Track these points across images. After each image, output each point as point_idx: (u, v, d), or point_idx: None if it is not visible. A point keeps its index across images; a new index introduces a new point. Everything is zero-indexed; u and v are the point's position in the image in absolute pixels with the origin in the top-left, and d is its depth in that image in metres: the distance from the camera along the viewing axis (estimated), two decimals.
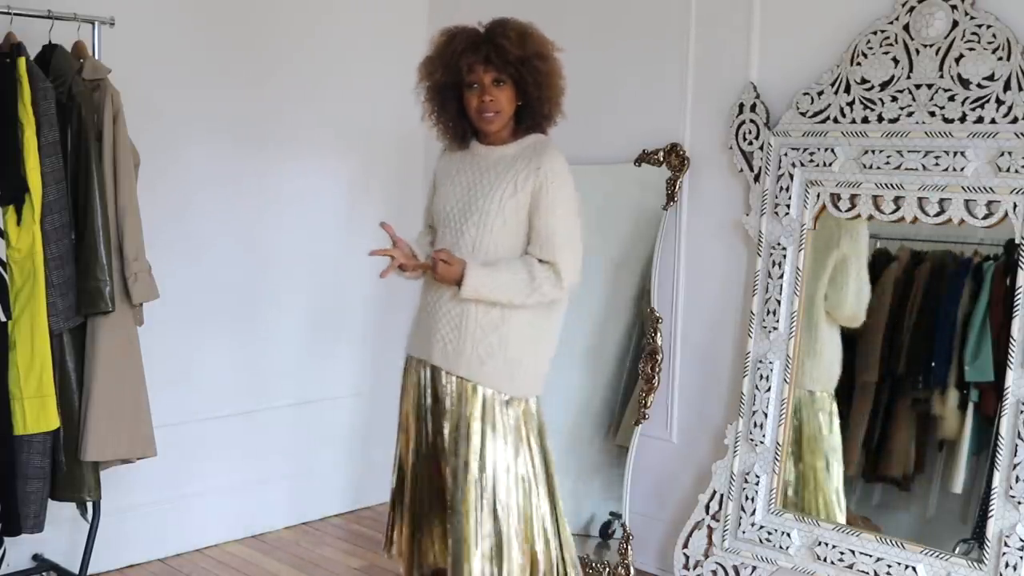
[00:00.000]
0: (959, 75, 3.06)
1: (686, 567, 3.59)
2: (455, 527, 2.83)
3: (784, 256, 3.40)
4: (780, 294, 3.41)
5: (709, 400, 3.69)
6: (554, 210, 2.80)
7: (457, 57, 2.79)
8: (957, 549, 3.10)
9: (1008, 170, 2.97)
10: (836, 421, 3.42)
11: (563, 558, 2.93)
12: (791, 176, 3.39)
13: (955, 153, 3.05)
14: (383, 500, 3.50)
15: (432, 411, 2.92)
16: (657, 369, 3.73)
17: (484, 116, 2.82)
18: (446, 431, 2.86)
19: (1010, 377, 2.96)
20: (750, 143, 3.50)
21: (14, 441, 3.09)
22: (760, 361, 3.45)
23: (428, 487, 2.97)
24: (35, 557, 3.56)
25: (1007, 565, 2.93)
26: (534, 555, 2.87)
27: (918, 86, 3.13)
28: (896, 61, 3.18)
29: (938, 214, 3.11)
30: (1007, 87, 2.98)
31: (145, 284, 3.29)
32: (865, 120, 3.23)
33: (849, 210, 3.29)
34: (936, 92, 3.10)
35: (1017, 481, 2.93)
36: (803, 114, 3.37)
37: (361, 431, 4.35)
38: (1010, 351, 2.96)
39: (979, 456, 3.17)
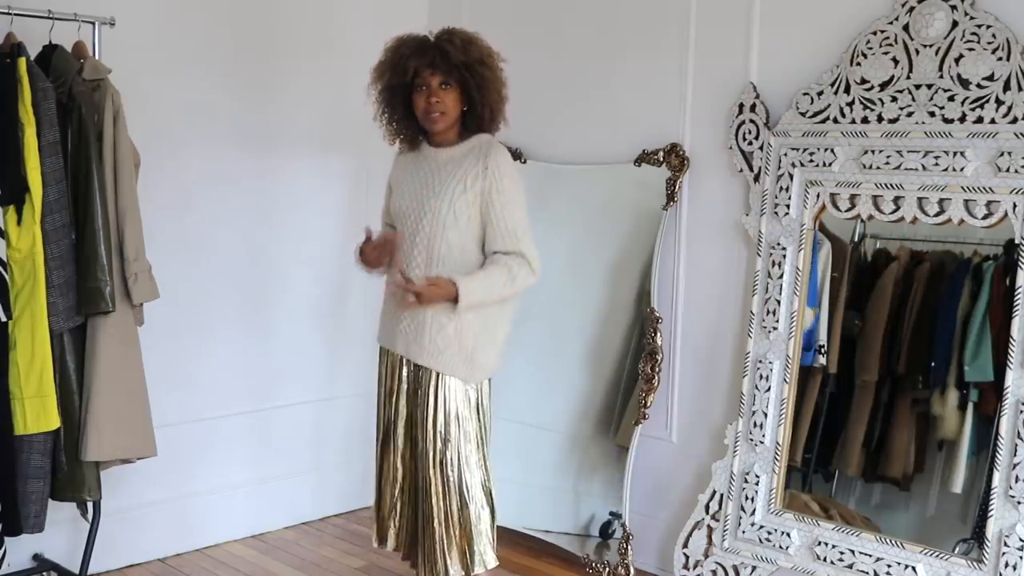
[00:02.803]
0: (959, 75, 3.06)
1: (686, 567, 3.59)
2: (424, 508, 3.02)
3: (784, 256, 3.40)
4: (780, 294, 3.41)
5: (709, 400, 3.69)
6: (508, 205, 2.97)
7: (405, 60, 2.96)
8: (957, 549, 3.11)
9: (1008, 170, 2.97)
10: None
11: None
12: (791, 176, 3.39)
13: (955, 153, 3.05)
14: None
15: (397, 396, 3.10)
16: (657, 369, 3.73)
17: (431, 116, 2.98)
18: (407, 416, 3.07)
19: (1010, 377, 2.96)
20: (750, 143, 3.50)
21: (14, 441, 3.09)
22: (760, 361, 3.45)
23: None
24: (35, 557, 3.56)
25: (1007, 565, 2.93)
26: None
27: (918, 86, 3.13)
28: (896, 61, 3.18)
29: (938, 214, 3.11)
30: (1007, 87, 2.98)
31: (145, 284, 3.29)
32: (865, 120, 3.23)
33: (849, 210, 3.29)
34: (936, 92, 3.10)
35: (1017, 481, 2.93)
36: (803, 114, 3.37)
37: (361, 431, 4.34)
38: (1010, 351, 2.96)
39: (979, 456, 3.17)
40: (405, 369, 3.06)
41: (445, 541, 3.00)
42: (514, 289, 2.97)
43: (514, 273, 2.94)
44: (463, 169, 2.98)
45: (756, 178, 3.49)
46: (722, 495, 3.53)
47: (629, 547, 3.71)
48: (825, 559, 3.26)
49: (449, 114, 2.99)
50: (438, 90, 2.95)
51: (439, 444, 2.99)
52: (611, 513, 3.83)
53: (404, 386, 3.07)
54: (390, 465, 3.14)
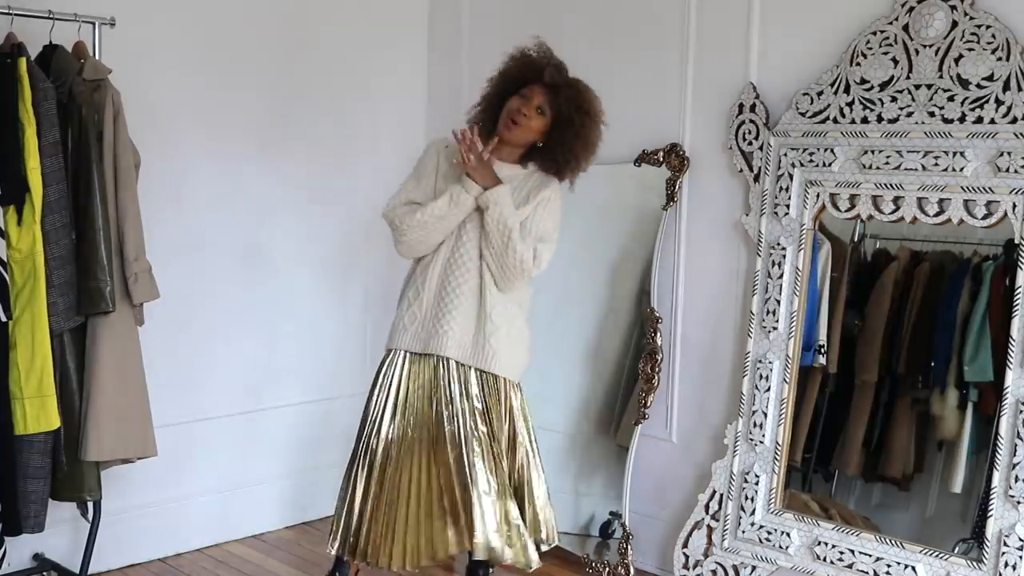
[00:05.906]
0: (958, 75, 3.06)
1: (686, 567, 3.60)
2: (492, 504, 3.06)
3: (784, 256, 3.41)
4: (780, 294, 3.41)
5: (709, 400, 3.69)
6: (544, 212, 3.10)
7: (533, 77, 3.09)
8: (956, 549, 3.11)
9: (1007, 170, 2.97)
10: None
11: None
12: (791, 176, 3.39)
13: (954, 153, 3.05)
14: None
15: (438, 403, 3.11)
16: (657, 369, 3.73)
17: (512, 119, 3.07)
18: (460, 421, 3.08)
19: (1009, 377, 2.96)
20: (750, 143, 3.50)
21: (15, 441, 3.09)
22: (760, 361, 3.45)
23: (408, 480, 3.15)
24: (36, 557, 3.56)
25: (1006, 565, 2.93)
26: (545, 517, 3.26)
27: (917, 86, 3.14)
28: (896, 61, 3.18)
29: (938, 214, 3.11)
30: (1006, 87, 2.98)
31: (145, 284, 3.29)
32: (865, 120, 3.23)
33: (849, 210, 3.29)
34: (935, 92, 3.10)
35: (1016, 481, 2.93)
36: (803, 114, 3.37)
37: None
38: (1009, 351, 2.96)
39: (978, 456, 3.17)
40: (450, 374, 3.10)
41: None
42: (513, 245, 3.02)
43: (524, 245, 3.02)
44: (520, 192, 3.09)
45: (756, 178, 3.49)
46: (722, 495, 3.53)
47: (629, 547, 3.71)
48: (825, 559, 3.27)
49: (526, 133, 3.08)
50: (532, 108, 3.07)
51: (528, 444, 3.16)
52: (611, 513, 3.83)
53: (449, 393, 3.10)
54: (397, 481, 3.16)
